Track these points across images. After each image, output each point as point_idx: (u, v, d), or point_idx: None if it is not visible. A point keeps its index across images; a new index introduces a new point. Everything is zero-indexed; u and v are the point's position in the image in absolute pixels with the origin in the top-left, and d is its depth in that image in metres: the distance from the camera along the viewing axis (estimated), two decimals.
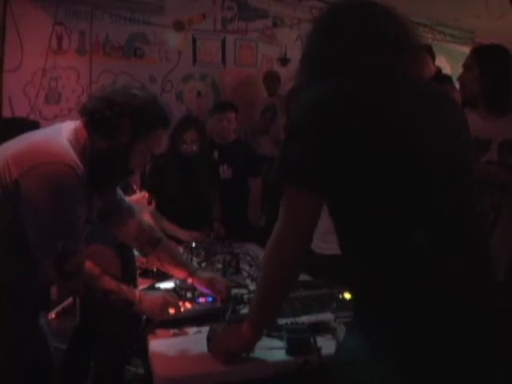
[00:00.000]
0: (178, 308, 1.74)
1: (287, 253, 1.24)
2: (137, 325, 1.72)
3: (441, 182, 1.18)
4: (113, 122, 1.56)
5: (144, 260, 2.20)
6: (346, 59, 1.23)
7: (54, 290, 3.62)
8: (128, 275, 2.15)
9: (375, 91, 1.19)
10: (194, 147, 3.23)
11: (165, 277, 2.10)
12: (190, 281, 1.93)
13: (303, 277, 1.98)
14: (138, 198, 2.51)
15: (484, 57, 2.31)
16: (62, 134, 1.56)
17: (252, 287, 2.05)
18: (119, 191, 1.90)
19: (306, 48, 1.33)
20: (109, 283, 1.63)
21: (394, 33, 1.25)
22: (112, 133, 1.57)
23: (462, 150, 1.26)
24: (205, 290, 1.90)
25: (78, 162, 1.51)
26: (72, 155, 1.50)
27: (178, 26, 4.83)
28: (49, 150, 1.48)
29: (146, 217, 2.55)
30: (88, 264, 1.59)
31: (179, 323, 1.71)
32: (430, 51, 4.02)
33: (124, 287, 1.66)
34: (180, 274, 1.96)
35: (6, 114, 4.26)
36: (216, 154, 3.73)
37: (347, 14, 1.28)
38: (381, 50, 1.23)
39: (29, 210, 1.46)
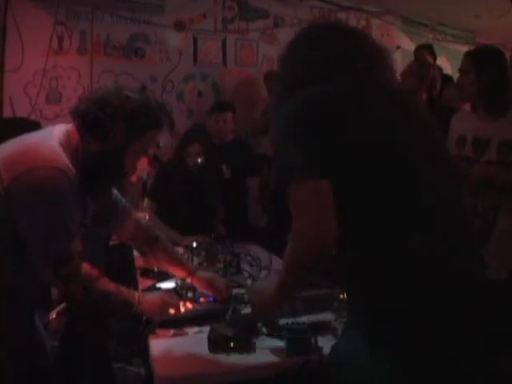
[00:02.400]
0: (177, 308, 1.73)
1: (310, 246, 1.15)
2: (137, 325, 1.72)
3: (440, 182, 1.18)
4: (106, 124, 1.54)
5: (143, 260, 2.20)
6: (334, 64, 1.26)
7: (54, 290, 3.61)
8: (124, 277, 2.14)
9: (363, 94, 1.21)
10: (199, 160, 3.27)
11: (165, 277, 2.10)
12: (189, 280, 1.93)
13: None
14: None
15: (480, 59, 2.32)
16: (53, 136, 1.55)
17: None
18: (115, 191, 1.88)
19: (289, 54, 1.36)
20: (107, 285, 1.62)
21: (372, 48, 1.32)
22: (105, 135, 1.56)
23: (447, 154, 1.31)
24: (204, 290, 1.90)
25: (70, 166, 1.50)
26: (63, 159, 1.49)
27: (179, 26, 4.82)
28: (39, 155, 1.47)
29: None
30: (86, 266, 1.58)
31: (180, 323, 1.71)
32: (431, 51, 4.01)
33: (123, 289, 1.66)
34: (179, 273, 1.96)
35: (7, 113, 4.25)
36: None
37: (329, 30, 1.36)
38: (365, 59, 1.27)
39: (22, 214, 1.46)
